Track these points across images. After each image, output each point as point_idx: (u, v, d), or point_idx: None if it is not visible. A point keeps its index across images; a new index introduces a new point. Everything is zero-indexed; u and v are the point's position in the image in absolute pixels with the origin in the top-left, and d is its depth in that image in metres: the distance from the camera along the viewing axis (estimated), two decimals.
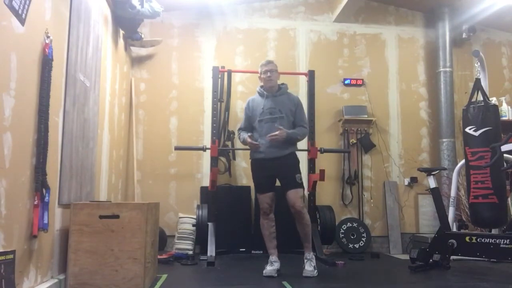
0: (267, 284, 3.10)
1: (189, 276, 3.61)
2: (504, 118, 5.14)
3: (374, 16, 5.68)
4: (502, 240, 3.44)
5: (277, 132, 3.37)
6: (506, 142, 3.49)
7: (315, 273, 3.36)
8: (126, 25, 4.42)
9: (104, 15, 3.83)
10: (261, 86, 3.67)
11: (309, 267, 3.38)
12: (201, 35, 5.37)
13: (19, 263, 2.14)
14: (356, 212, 5.31)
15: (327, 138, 5.34)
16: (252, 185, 5.05)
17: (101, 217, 2.67)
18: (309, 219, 3.53)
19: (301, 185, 3.47)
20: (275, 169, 3.47)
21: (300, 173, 3.51)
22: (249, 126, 3.66)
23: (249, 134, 3.54)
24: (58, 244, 2.70)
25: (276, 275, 3.34)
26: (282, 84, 3.72)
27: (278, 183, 3.60)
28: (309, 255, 3.47)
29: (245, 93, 5.33)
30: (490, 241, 3.48)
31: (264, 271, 3.39)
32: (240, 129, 3.76)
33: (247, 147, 5.10)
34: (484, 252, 3.54)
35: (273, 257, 3.48)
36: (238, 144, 5.17)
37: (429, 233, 5.06)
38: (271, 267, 3.38)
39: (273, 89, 3.61)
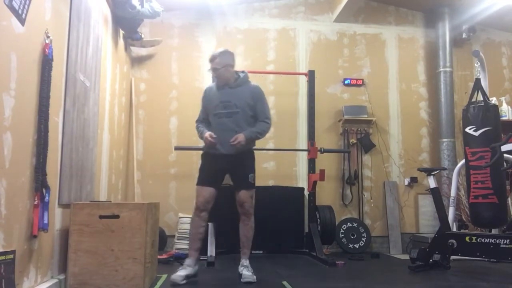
0: (266, 284, 3.10)
1: None
2: (504, 118, 5.14)
3: (374, 16, 5.68)
4: (502, 240, 3.44)
5: (235, 142, 3.07)
6: (506, 142, 3.49)
7: (255, 278, 3.07)
8: (126, 25, 4.42)
9: (104, 15, 3.83)
10: None
11: (247, 272, 3.09)
12: (201, 35, 5.37)
13: (19, 263, 2.14)
14: (356, 212, 5.31)
15: (327, 138, 5.34)
16: None
17: (101, 217, 2.67)
18: (254, 223, 3.24)
19: (253, 186, 3.22)
20: (228, 165, 3.18)
21: (254, 172, 3.24)
22: (206, 117, 3.34)
23: (209, 132, 3.17)
24: (58, 244, 2.70)
25: (183, 282, 2.93)
26: (242, 72, 3.34)
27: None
28: (246, 262, 3.18)
29: None
30: (490, 241, 3.48)
31: (172, 275, 2.97)
32: (197, 120, 3.42)
33: None
34: (484, 252, 3.54)
35: (189, 260, 3.08)
36: None
37: (429, 233, 5.06)
38: (180, 272, 2.96)
39: (229, 81, 3.24)
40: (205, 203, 3.17)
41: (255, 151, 5.10)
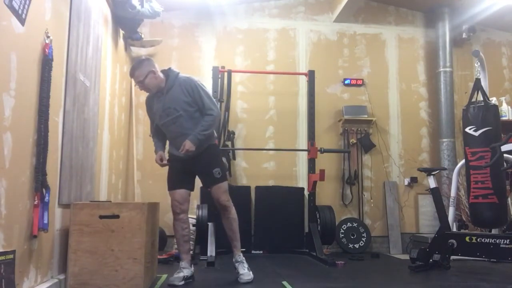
0: (266, 284, 3.10)
1: None
2: (504, 118, 5.14)
3: (374, 16, 5.68)
4: (502, 240, 3.44)
5: (183, 152, 3.01)
6: (506, 142, 3.49)
7: (251, 275, 3.08)
8: (126, 25, 4.42)
9: (104, 15, 3.83)
10: None
11: (243, 270, 3.09)
12: (201, 35, 5.37)
13: (19, 263, 2.13)
14: (356, 212, 5.31)
15: (327, 138, 5.34)
16: (252, 185, 5.10)
17: (101, 217, 2.67)
18: (236, 214, 3.22)
19: (221, 179, 3.14)
20: (191, 166, 3.15)
21: (219, 166, 3.17)
22: (159, 128, 3.22)
23: (160, 152, 3.20)
24: (58, 244, 2.70)
25: (181, 283, 2.98)
26: (169, 70, 3.15)
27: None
28: (239, 257, 3.17)
29: (245, 93, 5.34)
30: (490, 241, 3.48)
31: (170, 278, 3.05)
32: (151, 133, 3.32)
33: (248, 147, 5.16)
34: (484, 252, 3.54)
35: (183, 263, 3.10)
36: (238, 144, 5.19)
37: (429, 233, 5.06)
38: (177, 274, 3.02)
39: (160, 87, 3.09)
40: (179, 206, 3.16)
41: (255, 151, 5.20)
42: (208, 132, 3.10)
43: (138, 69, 3.05)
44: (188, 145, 3.00)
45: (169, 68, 3.18)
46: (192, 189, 3.27)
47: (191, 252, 3.35)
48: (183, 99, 3.05)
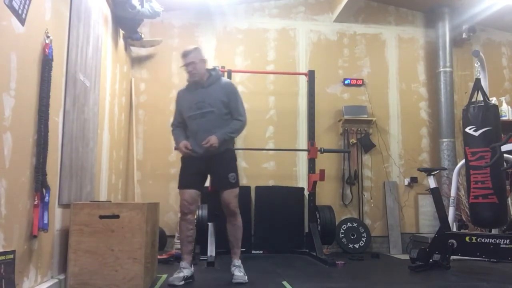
0: (267, 284, 3.10)
1: None
2: (504, 118, 5.14)
3: (374, 16, 5.68)
4: (502, 240, 3.44)
5: (207, 145, 3.02)
6: (506, 142, 3.49)
7: (246, 278, 3.08)
8: (126, 25, 4.42)
9: (104, 15, 3.83)
10: None
11: (239, 273, 3.11)
12: (201, 35, 5.37)
13: (19, 263, 2.14)
14: (356, 212, 5.31)
15: (327, 138, 5.34)
16: (252, 185, 5.11)
17: (101, 217, 2.67)
18: (241, 222, 3.24)
19: (235, 185, 3.15)
20: (207, 166, 3.16)
21: (234, 171, 3.18)
22: (182, 121, 3.27)
23: (184, 141, 3.15)
24: (58, 244, 2.70)
25: (181, 283, 2.98)
26: (213, 69, 3.27)
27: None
28: (238, 262, 3.19)
29: (245, 93, 5.32)
30: (490, 241, 3.48)
31: (170, 278, 3.05)
32: (173, 125, 3.33)
33: (248, 147, 5.16)
34: (484, 252, 3.54)
35: (184, 263, 3.10)
36: (238, 144, 5.18)
37: (429, 233, 5.06)
38: (177, 274, 3.02)
39: (202, 80, 3.18)
40: (187, 206, 3.13)
41: (255, 151, 5.20)
42: (234, 135, 3.25)
43: (195, 51, 3.18)
44: (214, 140, 3.03)
45: (214, 68, 3.31)
46: (201, 190, 3.26)
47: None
48: (221, 98, 3.16)
